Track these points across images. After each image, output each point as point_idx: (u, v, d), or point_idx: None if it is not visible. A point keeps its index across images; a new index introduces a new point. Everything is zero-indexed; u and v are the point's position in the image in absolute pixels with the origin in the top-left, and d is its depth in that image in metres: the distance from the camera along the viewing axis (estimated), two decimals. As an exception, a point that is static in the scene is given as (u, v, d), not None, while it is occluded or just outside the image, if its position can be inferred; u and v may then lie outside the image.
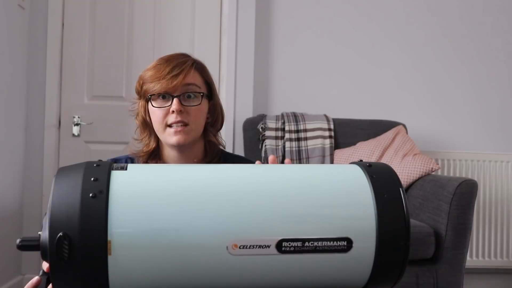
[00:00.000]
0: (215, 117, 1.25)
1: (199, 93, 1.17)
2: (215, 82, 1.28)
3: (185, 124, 1.15)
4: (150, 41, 2.82)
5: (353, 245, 0.64)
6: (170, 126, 1.16)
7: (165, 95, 1.16)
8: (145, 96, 1.19)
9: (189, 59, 1.20)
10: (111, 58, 2.80)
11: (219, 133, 1.29)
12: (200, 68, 1.21)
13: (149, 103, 1.18)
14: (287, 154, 2.54)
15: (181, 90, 1.15)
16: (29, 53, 2.69)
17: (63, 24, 2.77)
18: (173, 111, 1.14)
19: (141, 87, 1.20)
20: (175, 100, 1.14)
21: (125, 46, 2.81)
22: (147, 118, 1.21)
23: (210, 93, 1.23)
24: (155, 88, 1.15)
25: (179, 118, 1.14)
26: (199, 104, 1.17)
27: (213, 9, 2.86)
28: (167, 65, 1.16)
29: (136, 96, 1.25)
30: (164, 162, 1.24)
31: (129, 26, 2.82)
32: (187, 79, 1.16)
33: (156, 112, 1.17)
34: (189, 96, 1.17)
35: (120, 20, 2.81)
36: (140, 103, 1.22)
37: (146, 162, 1.23)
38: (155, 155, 1.24)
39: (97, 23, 2.80)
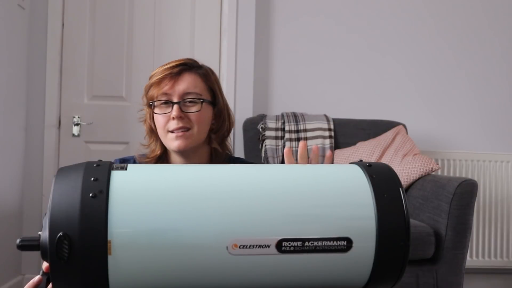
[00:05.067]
0: (220, 123, 1.25)
1: (199, 99, 1.19)
2: None
3: (187, 129, 1.17)
4: (150, 41, 2.82)
5: (353, 245, 0.64)
6: (171, 131, 1.18)
7: (167, 102, 1.18)
8: (149, 103, 1.23)
9: (193, 65, 1.22)
10: (111, 58, 2.80)
11: (228, 138, 1.30)
12: (203, 75, 1.22)
13: (153, 110, 1.21)
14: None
15: (181, 96, 1.18)
16: (29, 53, 2.69)
17: (63, 24, 2.77)
18: (173, 118, 1.16)
19: (146, 94, 1.23)
20: (175, 106, 1.17)
21: (125, 46, 2.81)
22: (153, 124, 1.24)
23: (214, 100, 1.23)
24: (154, 94, 1.19)
25: (180, 124, 1.17)
26: (199, 110, 1.18)
27: (213, 9, 2.86)
28: (167, 71, 1.18)
29: (143, 102, 1.28)
30: None
31: (129, 26, 2.82)
32: (187, 85, 1.18)
33: (158, 118, 1.20)
34: (190, 102, 1.18)
35: (120, 20, 2.81)
36: (147, 110, 1.26)
37: None
38: (161, 161, 1.26)
39: (97, 23, 2.80)
